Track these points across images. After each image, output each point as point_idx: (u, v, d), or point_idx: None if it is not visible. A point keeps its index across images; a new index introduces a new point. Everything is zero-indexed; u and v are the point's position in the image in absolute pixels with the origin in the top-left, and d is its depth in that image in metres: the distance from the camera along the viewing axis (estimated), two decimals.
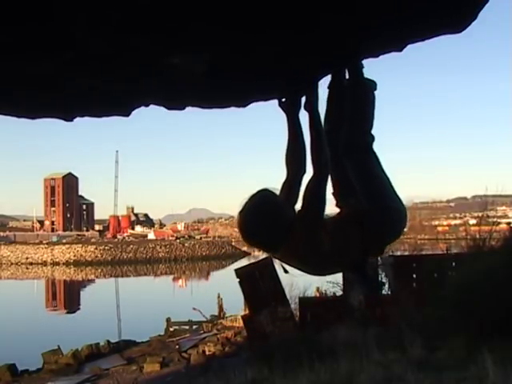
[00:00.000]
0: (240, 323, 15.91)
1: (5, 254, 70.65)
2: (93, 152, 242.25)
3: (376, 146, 2.50)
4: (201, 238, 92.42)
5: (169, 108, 2.77)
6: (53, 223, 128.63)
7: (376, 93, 2.63)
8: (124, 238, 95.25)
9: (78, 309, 33.61)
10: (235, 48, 2.21)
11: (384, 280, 11.28)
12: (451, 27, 2.31)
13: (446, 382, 4.77)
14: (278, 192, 2.33)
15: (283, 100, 2.51)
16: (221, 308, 21.57)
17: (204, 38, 2.08)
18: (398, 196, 2.42)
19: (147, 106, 2.72)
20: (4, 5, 1.79)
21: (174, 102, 2.72)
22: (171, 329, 19.51)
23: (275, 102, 2.59)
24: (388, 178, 2.44)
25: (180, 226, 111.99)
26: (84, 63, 2.22)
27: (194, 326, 19.67)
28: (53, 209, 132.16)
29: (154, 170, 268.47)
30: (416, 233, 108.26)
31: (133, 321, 23.66)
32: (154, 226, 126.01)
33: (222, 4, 1.91)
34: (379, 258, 11.97)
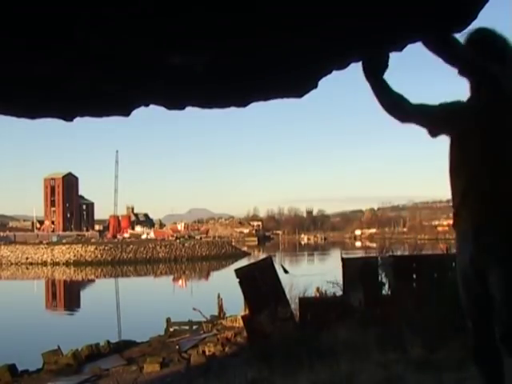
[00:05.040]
0: (240, 323, 15.90)
1: (5, 254, 70.61)
2: (93, 152, 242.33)
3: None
4: (201, 238, 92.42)
5: (169, 108, 2.77)
6: (53, 223, 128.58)
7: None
8: (124, 238, 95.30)
9: (78, 309, 33.60)
10: (235, 48, 2.21)
11: (384, 280, 11.28)
12: (451, 27, 2.31)
13: (446, 382, 4.77)
14: None
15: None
16: (221, 308, 21.55)
17: (204, 38, 2.08)
18: None
19: (147, 105, 2.72)
20: (5, 6, 1.79)
21: (174, 101, 2.72)
22: (171, 329, 19.49)
23: (275, 102, 2.60)
24: None
25: (180, 226, 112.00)
26: (84, 63, 2.22)
27: (194, 326, 19.64)
28: (53, 209, 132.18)
29: (154, 170, 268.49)
30: (416, 233, 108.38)
31: (133, 321, 23.66)
32: (153, 226, 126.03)
33: (223, 6, 1.91)
34: (379, 258, 11.98)
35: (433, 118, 2.64)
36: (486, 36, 2.52)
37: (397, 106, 2.65)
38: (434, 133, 2.67)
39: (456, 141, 2.56)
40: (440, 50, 2.38)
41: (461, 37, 2.44)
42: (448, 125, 2.60)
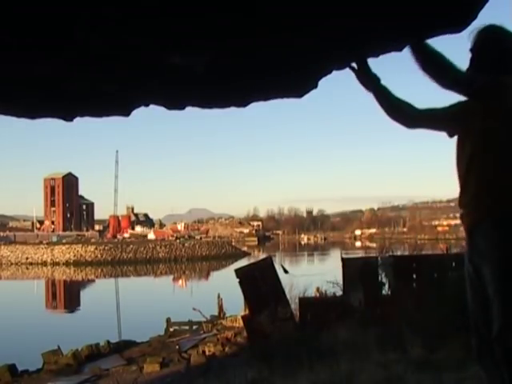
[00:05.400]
0: (240, 323, 15.90)
1: (5, 254, 70.62)
2: (93, 152, 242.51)
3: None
4: (201, 238, 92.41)
5: (169, 108, 2.77)
6: (53, 223, 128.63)
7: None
8: (124, 238, 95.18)
9: (78, 309, 33.61)
10: (235, 48, 2.21)
11: (384, 280, 11.27)
12: (451, 27, 2.31)
13: (446, 382, 4.77)
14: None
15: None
16: (221, 308, 21.56)
17: (204, 38, 2.08)
18: None
19: (147, 105, 2.72)
20: (5, 6, 1.79)
21: (174, 101, 2.72)
22: (171, 329, 19.49)
23: (275, 102, 2.60)
24: None
25: (180, 226, 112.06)
26: (84, 63, 2.22)
27: (194, 326, 19.64)
28: (53, 209, 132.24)
29: (154, 170, 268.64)
30: (416, 233, 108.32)
31: (133, 321, 23.65)
32: (153, 226, 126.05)
33: (223, 6, 1.91)
34: (379, 258, 11.99)
35: (447, 119, 2.62)
36: (497, 33, 2.45)
37: (401, 112, 2.63)
38: (451, 133, 2.65)
39: (461, 140, 2.56)
40: (424, 61, 2.36)
41: (470, 33, 2.41)
42: (460, 124, 2.57)
